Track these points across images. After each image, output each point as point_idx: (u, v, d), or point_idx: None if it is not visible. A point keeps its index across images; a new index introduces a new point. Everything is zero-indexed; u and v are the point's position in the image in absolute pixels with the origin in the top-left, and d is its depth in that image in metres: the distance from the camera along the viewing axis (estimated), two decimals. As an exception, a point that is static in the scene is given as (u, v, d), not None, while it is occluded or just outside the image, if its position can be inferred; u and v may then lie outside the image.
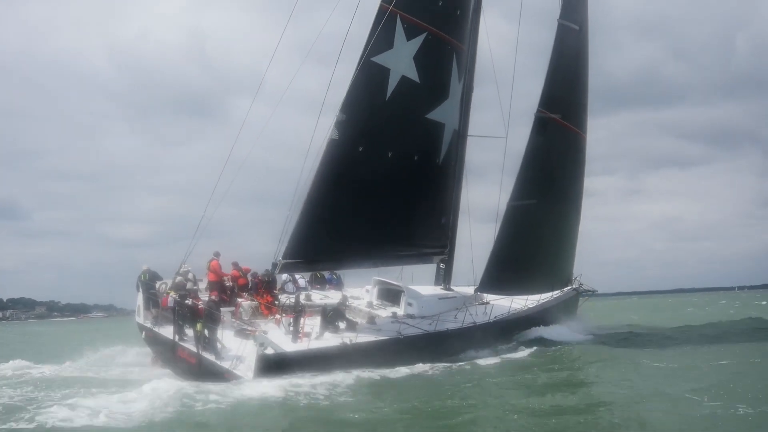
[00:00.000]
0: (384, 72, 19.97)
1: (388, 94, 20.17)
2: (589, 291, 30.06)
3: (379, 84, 19.96)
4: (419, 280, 24.83)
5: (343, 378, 16.12)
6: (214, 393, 14.28)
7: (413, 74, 20.58)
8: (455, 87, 22.64)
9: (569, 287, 28.51)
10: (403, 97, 20.45)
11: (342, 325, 19.06)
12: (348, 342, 17.86)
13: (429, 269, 26.16)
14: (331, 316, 18.75)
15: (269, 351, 16.26)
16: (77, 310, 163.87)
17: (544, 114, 23.36)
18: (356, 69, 19.47)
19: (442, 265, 25.09)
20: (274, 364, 16.10)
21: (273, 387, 14.73)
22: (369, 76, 19.67)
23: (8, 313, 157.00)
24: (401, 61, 20.22)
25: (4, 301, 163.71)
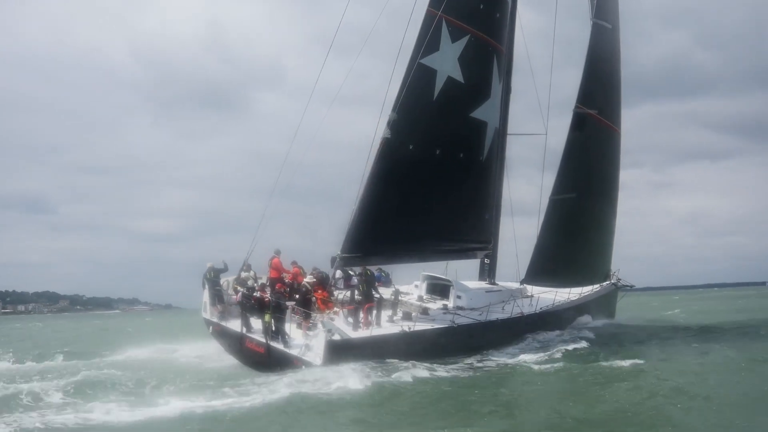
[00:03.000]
0: (431, 73, 20.89)
1: (435, 94, 21.06)
2: (627, 286, 30.74)
3: (427, 84, 20.87)
4: (462, 276, 25.66)
5: (406, 364, 16.99)
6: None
7: (458, 75, 21.48)
8: (496, 87, 23.49)
9: (608, 282, 29.22)
10: (448, 97, 21.33)
11: (398, 315, 19.97)
12: (407, 329, 18.68)
13: (471, 265, 27.02)
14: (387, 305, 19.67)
15: (336, 337, 17.12)
16: (101, 304, 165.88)
17: (582, 110, 24.19)
18: (406, 71, 20.41)
19: (486, 260, 25.86)
20: (342, 350, 16.95)
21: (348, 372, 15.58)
22: (417, 77, 20.58)
23: (30, 306, 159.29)
24: (447, 62, 21.14)
25: (30, 294, 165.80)
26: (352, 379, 15.12)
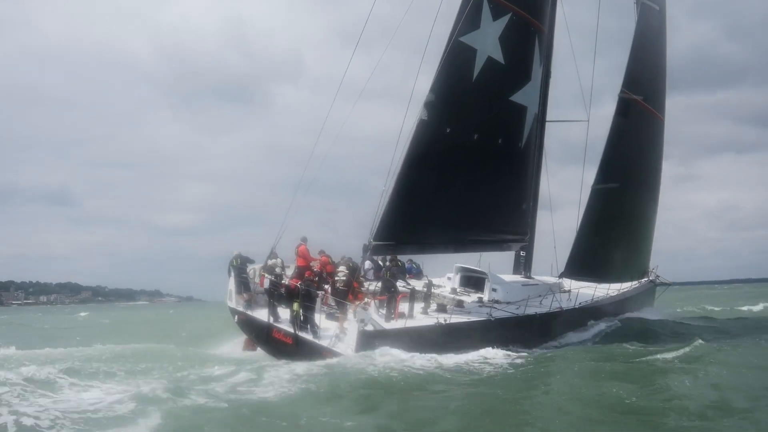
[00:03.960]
0: (471, 52, 19.74)
1: (475, 74, 19.91)
2: (665, 284, 29.48)
3: (466, 64, 19.73)
4: (495, 269, 24.48)
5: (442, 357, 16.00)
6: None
7: (498, 55, 20.32)
8: (536, 70, 22.31)
9: (646, 279, 27.95)
10: (488, 78, 20.19)
11: (431, 307, 18.96)
12: (442, 322, 17.64)
13: (505, 258, 25.88)
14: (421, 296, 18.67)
15: (369, 327, 16.13)
16: (122, 295, 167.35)
17: (628, 96, 22.90)
18: (445, 49, 19.29)
19: (522, 253, 24.72)
20: (375, 340, 15.96)
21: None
22: (456, 56, 19.44)
23: (52, 297, 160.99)
24: (487, 41, 19.98)
25: (53, 285, 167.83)
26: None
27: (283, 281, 17.52)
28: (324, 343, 16.52)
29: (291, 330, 17.15)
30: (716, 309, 39.69)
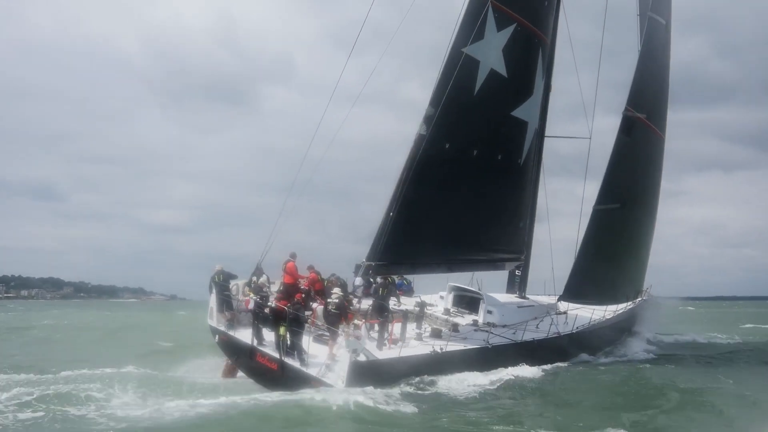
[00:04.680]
0: (474, 64, 18.79)
1: (477, 88, 18.99)
2: (658, 303, 28.85)
3: (469, 77, 18.78)
4: (488, 288, 23.58)
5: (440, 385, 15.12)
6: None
7: (501, 68, 19.40)
8: (539, 83, 21.46)
9: (640, 299, 27.24)
10: (490, 92, 19.26)
11: (423, 329, 18.02)
12: (439, 350, 16.66)
13: (498, 277, 24.96)
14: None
15: (362, 358, 15.08)
16: (105, 292, 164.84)
17: (632, 114, 22.04)
18: (446, 59, 18.31)
19: (517, 272, 23.82)
20: (368, 372, 14.93)
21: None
22: (459, 68, 18.48)
23: (34, 291, 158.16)
24: (491, 53, 19.05)
25: (35, 279, 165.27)
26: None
27: (269, 304, 16.34)
28: (312, 372, 15.42)
29: (277, 355, 16.04)
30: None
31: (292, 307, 16.09)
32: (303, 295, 17.11)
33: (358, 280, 21.38)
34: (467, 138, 19.30)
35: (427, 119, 18.10)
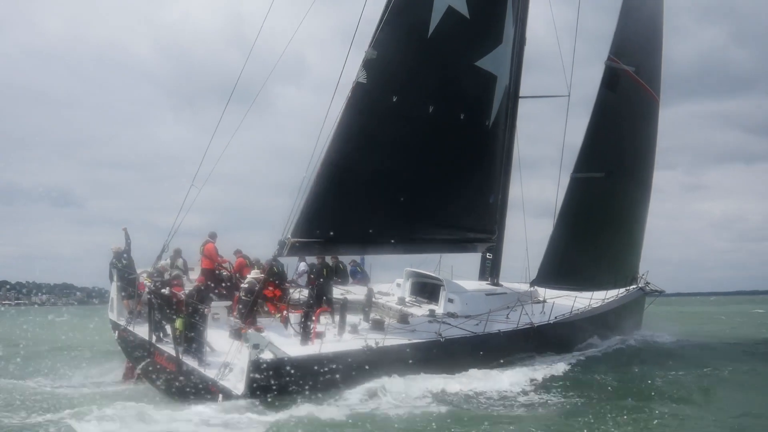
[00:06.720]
0: (427, 0, 15.54)
1: (431, 29, 15.72)
2: (656, 292, 25.59)
3: (421, 15, 15.52)
4: (459, 275, 20.34)
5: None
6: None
7: (462, 6, 16.11)
8: (509, 32, 18.18)
9: (635, 287, 24.01)
10: (449, 35, 15.99)
11: (365, 323, 14.88)
12: (373, 345, 13.46)
13: (471, 262, 21.70)
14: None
15: (267, 355, 11.87)
16: None
17: (616, 63, 18.78)
18: (391, -8, 15.00)
19: (488, 255, 20.59)
20: (274, 373, 11.75)
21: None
22: (408, 3, 15.26)
23: (44, 297, 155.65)
24: (448, -14, 15.76)
25: (50, 285, 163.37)
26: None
27: (164, 290, 13.08)
28: (210, 373, 12.23)
29: (173, 353, 12.84)
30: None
31: (190, 295, 12.89)
32: (205, 280, 13.86)
33: (303, 266, 18.20)
34: (420, 90, 16.05)
35: (368, 64, 14.80)
